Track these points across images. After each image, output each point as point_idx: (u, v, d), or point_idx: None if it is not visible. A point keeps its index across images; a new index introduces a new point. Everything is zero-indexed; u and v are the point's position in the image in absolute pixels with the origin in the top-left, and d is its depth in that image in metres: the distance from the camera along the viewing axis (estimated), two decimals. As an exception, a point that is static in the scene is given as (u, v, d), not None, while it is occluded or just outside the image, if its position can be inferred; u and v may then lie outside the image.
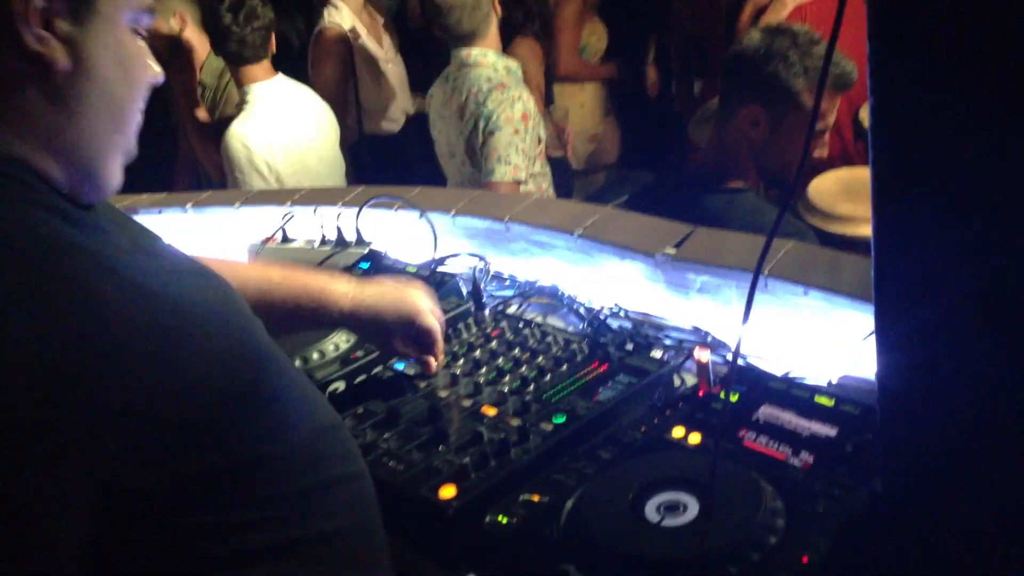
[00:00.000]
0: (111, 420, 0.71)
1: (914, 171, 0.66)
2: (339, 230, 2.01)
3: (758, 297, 1.48)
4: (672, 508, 1.02)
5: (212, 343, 0.78)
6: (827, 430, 1.11)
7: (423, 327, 1.33)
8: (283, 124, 3.13)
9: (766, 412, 1.16)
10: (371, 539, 0.93)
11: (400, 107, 4.01)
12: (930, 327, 0.65)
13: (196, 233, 2.34)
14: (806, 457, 1.08)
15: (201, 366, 0.76)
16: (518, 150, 2.91)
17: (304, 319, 1.31)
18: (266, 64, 3.13)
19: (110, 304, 0.73)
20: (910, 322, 0.66)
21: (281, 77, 3.19)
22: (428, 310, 1.34)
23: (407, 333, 1.33)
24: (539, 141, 3.01)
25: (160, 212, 2.40)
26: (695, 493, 1.03)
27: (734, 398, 1.20)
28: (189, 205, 2.35)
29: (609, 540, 0.98)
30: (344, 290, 1.30)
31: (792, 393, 1.18)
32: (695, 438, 1.14)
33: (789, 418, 1.14)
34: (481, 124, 2.93)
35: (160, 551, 0.76)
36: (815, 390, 1.17)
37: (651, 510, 1.02)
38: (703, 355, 1.26)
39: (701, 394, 1.24)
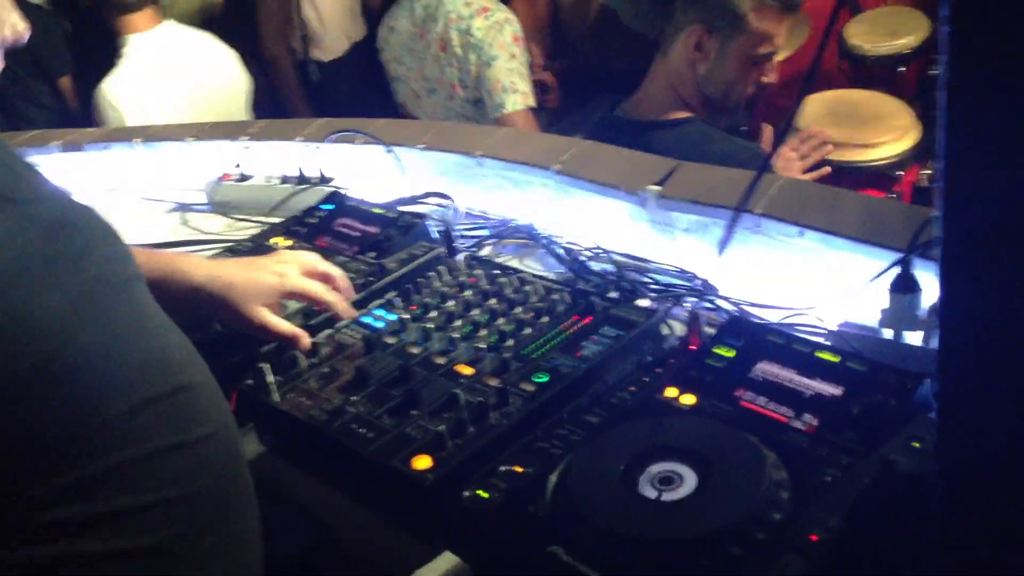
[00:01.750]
0: None
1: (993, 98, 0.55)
2: (300, 168, 1.89)
3: (749, 238, 1.40)
4: (667, 480, 0.94)
5: None
6: (831, 389, 1.03)
7: (291, 290, 1.25)
8: (163, 80, 2.87)
9: (764, 369, 1.08)
10: (221, 503, 0.83)
11: (344, 32, 3.65)
12: (1006, 284, 0.56)
13: (147, 170, 2.20)
14: (810, 419, 1.00)
15: None
16: (520, 75, 2.77)
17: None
18: (149, 12, 2.87)
19: None
20: (980, 281, 0.57)
21: (168, 25, 2.93)
22: (299, 271, 1.26)
23: (270, 304, 1.24)
24: (528, 64, 2.87)
25: (107, 147, 2.25)
26: (692, 463, 0.95)
27: (729, 353, 1.11)
28: (138, 140, 2.21)
29: (600, 518, 0.90)
30: (198, 262, 1.24)
31: (793, 348, 1.09)
32: (689, 399, 1.06)
33: (790, 376, 1.06)
34: (472, 56, 2.77)
35: None
36: (817, 346, 1.09)
37: (645, 483, 0.94)
38: (696, 308, 1.17)
39: (693, 348, 1.15)
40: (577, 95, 3.07)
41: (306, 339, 1.24)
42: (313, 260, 1.32)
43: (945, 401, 0.62)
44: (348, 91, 3.56)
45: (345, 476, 1.13)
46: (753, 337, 1.12)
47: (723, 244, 1.17)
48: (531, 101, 2.81)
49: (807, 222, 1.32)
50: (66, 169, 2.28)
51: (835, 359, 1.06)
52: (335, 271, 1.33)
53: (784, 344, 1.10)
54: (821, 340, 1.21)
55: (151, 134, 2.23)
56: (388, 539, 1.10)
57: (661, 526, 0.89)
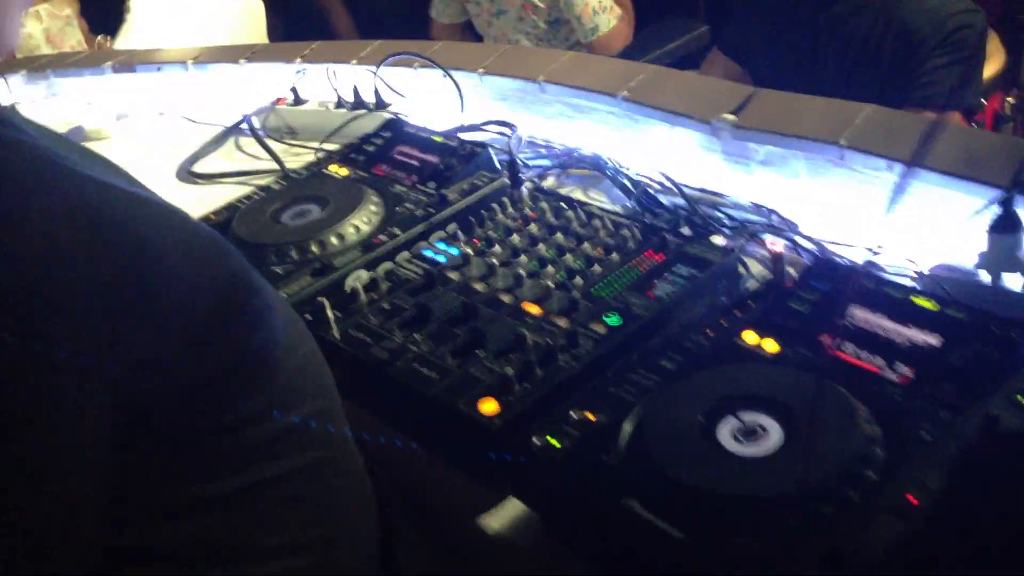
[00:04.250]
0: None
1: None
2: (356, 91, 1.82)
3: (834, 172, 1.31)
4: (750, 433, 0.88)
5: (197, 251, 0.76)
6: (928, 339, 0.96)
7: None
8: (173, 26, 2.78)
9: (853, 315, 1.01)
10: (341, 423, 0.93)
11: None
12: None
13: (198, 92, 2.15)
14: (904, 370, 0.93)
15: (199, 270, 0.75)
16: None
17: None
18: None
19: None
20: None
21: None
22: None
23: None
24: None
25: (159, 69, 2.20)
26: (776, 414, 0.89)
27: (814, 297, 1.04)
28: (190, 62, 2.15)
29: (679, 472, 0.85)
30: None
31: (884, 292, 1.02)
32: (771, 345, 1.00)
33: (881, 322, 0.99)
34: None
35: (172, 457, 0.74)
36: (911, 290, 1.02)
37: (726, 434, 0.89)
38: (776, 243, 1.10)
39: (775, 289, 1.08)
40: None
41: None
42: None
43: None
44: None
45: (407, 416, 1.09)
46: (841, 280, 1.05)
47: (893, 201, 1.08)
48: (618, 10, 2.71)
49: (896, 155, 1.23)
50: (118, 90, 2.24)
51: (932, 305, 0.99)
52: None
53: (875, 288, 1.03)
54: (912, 284, 1.14)
55: (203, 56, 2.17)
56: (450, 481, 1.06)
57: (745, 482, 0.84)
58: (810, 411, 0.87)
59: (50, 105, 2.30)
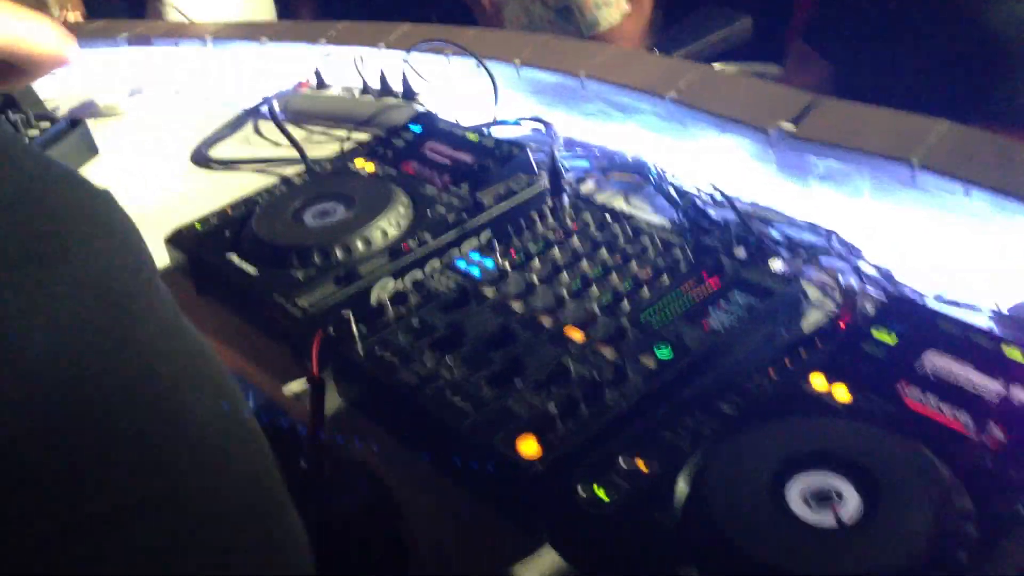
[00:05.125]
0: None
1: None
2: (383, 77, 1.72)
3: (903, 194, 1.21)
4: (824, 497, 0.79)
5: None
6: (1021, 394, 0.86)
7: None
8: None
9: (934, 361, 0.91)
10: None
11: None
12: None
13: (216, 70, 2.05)
14: (995, 432, 0.84)
15: None
16: None
17: None
18: None
19: None
20: None
21: None
22: None
23: None
24: None
25: (177, 44, 2.10)
26: (853, 477, 0.80)
27: (890, 339, 0.95)
28: (209, 37, 2.05)
29: (746, 542, 0.76)
30: None
31: (971, 339, 0.92)
32: (842, 392, 0.90)
33: (967, 374, 0.89)
34: None
35: None
36: (1000, 338, 0.92)
37: (796, 497, 0.80)
38: (847, 276, 1.00)
39: (843, 326, 0.99)
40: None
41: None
42: None
43: None
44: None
45: (435, 448, 1.00)
46: (921, 321, 0.96)
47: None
48: (625, 7, 2.59)
49: (975, 178, 1.13)
50: (132, 62, 2.14)
51: (1022, 357, 0.89)
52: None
53: (959, 333, 0.93)
54: (990, 324, 1.04)
55: (223, 32, 2.07)
56: (480, 519, 0.97)
57: (821, 559, 0.74)
58: (894, 478, 0.78)
59: (59, 76, 2.20)
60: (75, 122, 1.77)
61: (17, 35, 0.97)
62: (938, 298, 1.09)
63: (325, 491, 1.16)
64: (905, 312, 0.98)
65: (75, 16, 2.89)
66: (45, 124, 1.72)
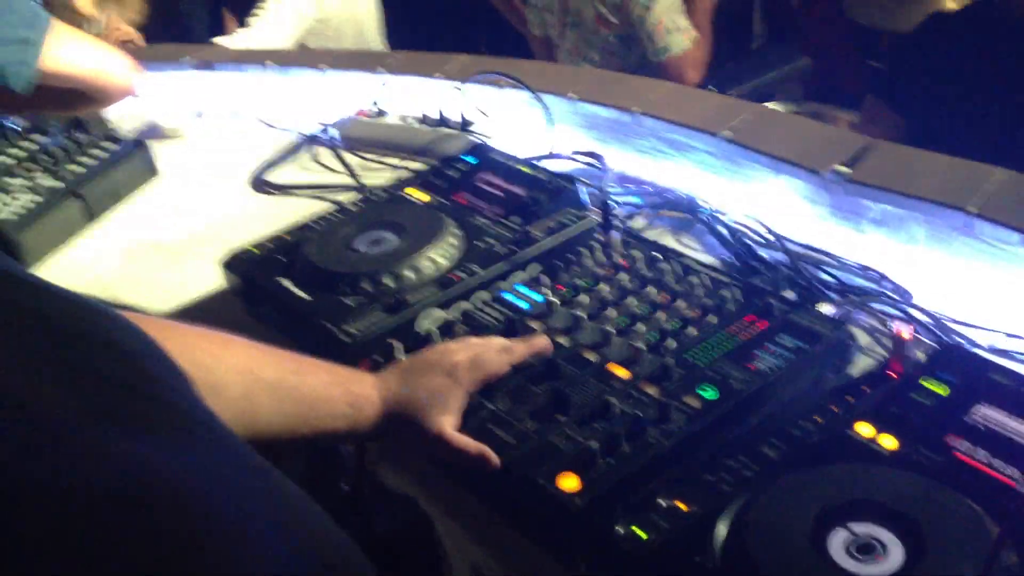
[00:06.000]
0: None
1: None
2: (440, 110, 1.75)
3: (957, 242, 1.20)
4: (867, 548, 0.78)
5: None
6: (1073, 452, 0.85)
7: (470, 387, 0.99)
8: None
9: (985, 414, 0.90)
10: None
11: None
12: None
13: (276, 95, 2.10)
14: (1044, 487, 0.82)
15: None
16: (679, 10, 2.59)
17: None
18: None
19: None
20: None
21: None
22: (467, 361, 1.00)
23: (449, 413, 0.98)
24: None
25: (239, 68, 2.15)
26: (897, 529, 0.79)
27: (941, 390, 0.93)
28: (270, 63, 2.10)
29: (785, 589, 0.75)
30: (344, 392, 0.97)
31: (1022, 391, 0.91)
32: (889, 441, 0.89)
33: (1018, 426, 0.88)
34: None
35: None
36: (1054, 392, 0.90)
37: (838, 546, 0.79)
38: (899, 325, 0.99)
39: (894, 375, 0.98)
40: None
41: (494, 459, 0.94)
42: (476, 342, 1.06)
43: None
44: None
45: (477, 479, 1.00)
46: (972, 372, 0.94)
47: None
48: (694, 33, 2.61)
49: (1032, 229, 1.12)
50: (195, 87, 2.19)
51: (1079, 413, 0.87)
52: (497, 341, 1.07)
53: (1013, 385, 0.92)
54: (1043, 375, 1.02)
55: (284, 58, 2.12)
56: (519, 554, 0.97)
57: (862, 610, 0.74)
58: (940, 531, 0.77)
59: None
60: (138, 143, 1.81)
61: (94, 68, 1.02)
62: (991, 348, 1.08)
63: (366, 515, 1.17)
64: (957, 362, 0.96)
65: (129, 34, 2.96)
66: (109, 145, 1.76)
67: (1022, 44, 1.68)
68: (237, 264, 1.32)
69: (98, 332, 0.52)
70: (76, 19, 2.84)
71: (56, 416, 0.44)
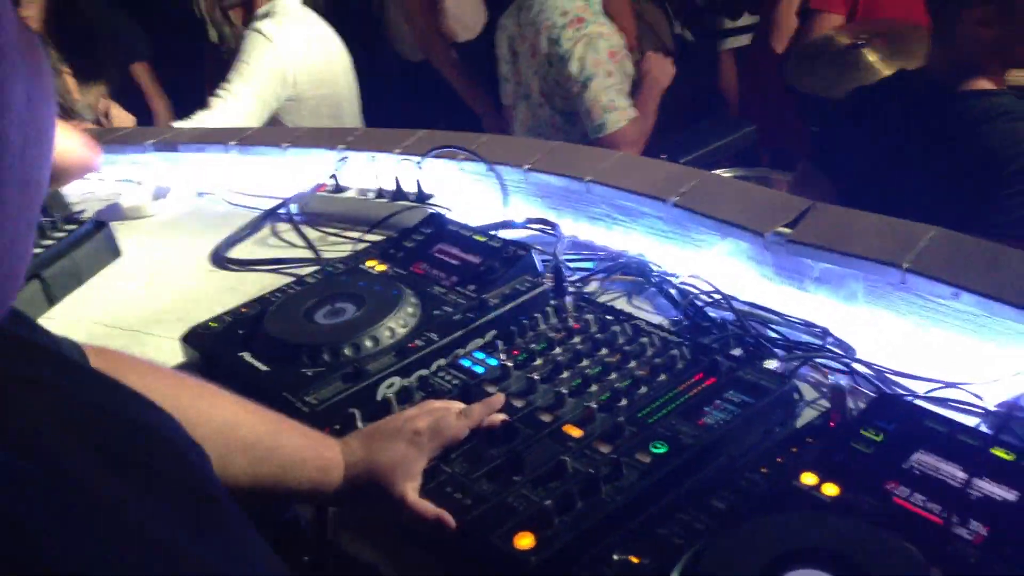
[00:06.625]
0: None
1: None
2: (397, 181, 1.79)
3: (894, 298, 1.25)
4: (813, 595, 0.81)
5: None
6: (1005, 493, 0.88)
7: (433, 451, 1.03)
8: (312, 38, 2.86)
9: (922, 460, 0.93)
10: None
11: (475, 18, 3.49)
12: None
13: (239, 175, 2.14)
14: (977, 527, 0.85)
15: None
16: (618, 90, 2.66)
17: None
18: None
19: None
20: None
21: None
22: (429, 425, 1.04)
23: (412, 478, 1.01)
24: (627, 78, 2.75)
25: (201, 149, 2.19)
26: (841, 572, 0.82)
27: (878, 437, 0.97)
28: (232, 143, 2.15)
29: (734, 637, 0.78)
30: (314, 458, 1.01)
31: (957, 439, 0.95)
32: (832, 489, 0.92)
33: (952, 472, 0.91)
34: (561, 70, 2.68)
35: None
36: (989, 439, 0.94)
37: (785, 595, 0.81)
38: (838, 378, 1.03)
39: (833, 425, 1.02)
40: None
41: (451, 522, 0.96)
42: (436, 407, 1.09)
43: None
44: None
45: (434, 541, 1.02)
46: (908, 420, 0.98)
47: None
48: (631, 113, 2.69)
49: (964, 282, 1.17)
50: (159, 168, 2.23)
51: (1008, 456, 0.91)
52: (456, 405, 1.10)
53: (947, 432, 0.96)
54: (978, 420, 1.07)
55: (246, 138, 2.16)
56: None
57: (808, 655, 0.76)
58: (881, 574, 0.80)
59: (87, 179, 2.29)
60: (100, 224, 1.84)
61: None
62: (928, 397, 1.12)
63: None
64: (894, 411, 1.00)
65: (115, 113, 2.98)
66: (71, 227, 1.79)
67: (940, 112, 1.77)
68: (196, 339, 1.34)
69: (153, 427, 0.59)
70: (71, 101, 2.87)
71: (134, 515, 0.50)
